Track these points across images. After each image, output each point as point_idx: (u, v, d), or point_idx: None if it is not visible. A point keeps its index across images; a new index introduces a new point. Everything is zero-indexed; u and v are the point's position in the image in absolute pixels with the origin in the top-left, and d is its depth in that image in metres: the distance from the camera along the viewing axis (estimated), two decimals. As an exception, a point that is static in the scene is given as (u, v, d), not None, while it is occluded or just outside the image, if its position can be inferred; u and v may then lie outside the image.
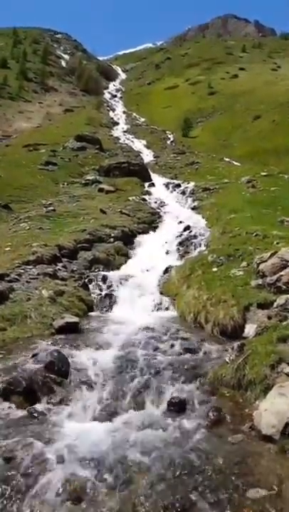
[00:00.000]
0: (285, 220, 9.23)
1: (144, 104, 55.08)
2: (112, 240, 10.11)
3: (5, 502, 2.45)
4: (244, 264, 6.70)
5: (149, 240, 11.03)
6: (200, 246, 9.64)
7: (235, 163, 24.86)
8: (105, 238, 10.13)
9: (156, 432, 3.16)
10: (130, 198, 15.64)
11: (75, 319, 5.59)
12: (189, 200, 15.94)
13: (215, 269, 6.97)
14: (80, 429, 3.18)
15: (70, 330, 5.31)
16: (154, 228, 12.38)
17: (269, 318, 4.82)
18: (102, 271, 8.29)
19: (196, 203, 14.93)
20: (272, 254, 6.00)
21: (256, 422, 3.13)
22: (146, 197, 16.50)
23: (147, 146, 32.22)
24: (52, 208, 12.87)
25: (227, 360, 4.00)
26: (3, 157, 21.65)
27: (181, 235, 10.75)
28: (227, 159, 26.27)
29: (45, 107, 46.21)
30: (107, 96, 63.80)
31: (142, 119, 47.57)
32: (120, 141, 32.46)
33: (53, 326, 5.39)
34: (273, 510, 2.39)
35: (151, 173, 20.83)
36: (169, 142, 35.47)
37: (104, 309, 6.99)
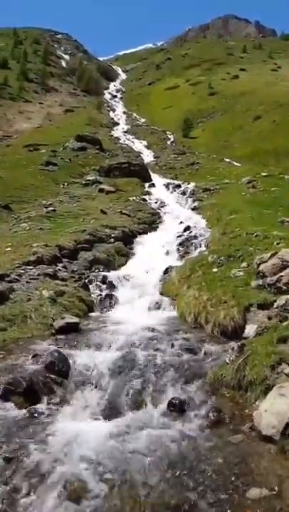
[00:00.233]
0: (285, 220, 9.24)
1: (144, 104, 55.17)
2: (112, 240, 10.13)
3: (5, 502, 2.45)
4: (244, 264, 6.69)
5: (149, 241, 11.04)
6: (200, 246, 9.65)
7: (236, 163, 24.85)
8: (105, 238, 10.14)
9: (156, 432, 3.16)
10: (130, 199, 15.66)
11: (76, 320, 5.59)
12: (189, 200, 15.94)
13: (215, 270, 6.97)
14: (80, 429, 3.18)
15: (71, 330, 5.31)
16: (155, 229, 12.40)
17: (269, 318, 4.83)
18: (103, 271, 8.30)
19: (196, 204, 14.94)
20: (272, 255, 6.00)
21: (256, 423, 3.13)
22: (147, 197, 16.52)
23: (147, 147, 32.24)
24: (52, 208, 12.89)
25: (227, 360, 4.00)
26: (4, 157, 21.68)
27: (181, 236, 10.76)
28: (227, 160, 26.29)
29: (46, 107, 46.22)
30: (107, 96, 63.91)
31: (143, 120, 47.64)
32: (121, 142, 32.49)
33: (54, 327, 5.39)
34: (273, 511, 2.40)
35: (151, 174, 20.83)
36: (169, 143, 35.47)
37: (105, 310, 6.99)
